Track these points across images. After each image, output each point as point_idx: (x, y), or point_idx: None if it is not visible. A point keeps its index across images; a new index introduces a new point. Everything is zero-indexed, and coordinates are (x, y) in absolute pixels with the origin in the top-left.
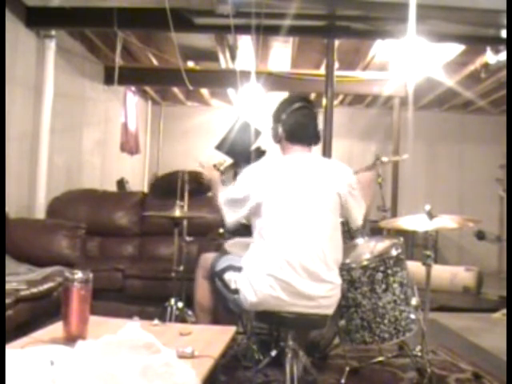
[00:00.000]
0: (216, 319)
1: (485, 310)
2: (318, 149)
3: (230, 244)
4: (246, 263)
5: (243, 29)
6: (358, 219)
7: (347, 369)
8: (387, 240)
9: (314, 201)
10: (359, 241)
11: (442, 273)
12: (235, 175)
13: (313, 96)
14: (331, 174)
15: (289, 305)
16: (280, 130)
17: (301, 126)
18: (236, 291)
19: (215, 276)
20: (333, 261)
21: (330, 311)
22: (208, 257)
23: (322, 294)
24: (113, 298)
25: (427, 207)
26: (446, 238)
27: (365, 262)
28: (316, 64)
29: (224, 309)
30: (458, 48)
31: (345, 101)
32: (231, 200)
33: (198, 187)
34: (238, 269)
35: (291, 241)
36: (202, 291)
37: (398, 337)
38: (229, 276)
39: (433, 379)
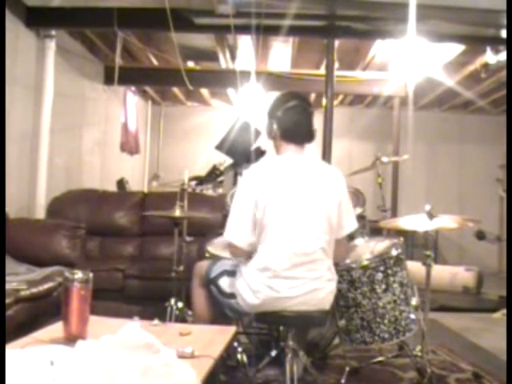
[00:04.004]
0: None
1: (485, 309)
2: (317, 149)
3: (211, 245)
4: (241, 267)
5: (243, 29)
6: (352, 223)
7: (347, 369)
8: (387, 240)
9: (315, 204)
10: (359, 241)
11: (442, 273)
12: (235, 175)
13: (313, 96)
14: (329, 177)
15: (288, 299)
16: (275, 127)
17: (295, 124)
18: (231, 295)
19: (210, 283)
20: (330, 259)
21: (326, 305)
22: (202, 265)
23: (319, 286)
24: (113, 298)
25: (427, 207)
26: (445, 238)
27: (365, 262)
28: (316, 64)
29: (220, 315)
30: (458, 48)
31: (345, 101)
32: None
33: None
34: (233, 273)
35: (293, 240)
36: (200, 301)
37: (398, 337)
38: (223, 281)
39: (433, 379)
